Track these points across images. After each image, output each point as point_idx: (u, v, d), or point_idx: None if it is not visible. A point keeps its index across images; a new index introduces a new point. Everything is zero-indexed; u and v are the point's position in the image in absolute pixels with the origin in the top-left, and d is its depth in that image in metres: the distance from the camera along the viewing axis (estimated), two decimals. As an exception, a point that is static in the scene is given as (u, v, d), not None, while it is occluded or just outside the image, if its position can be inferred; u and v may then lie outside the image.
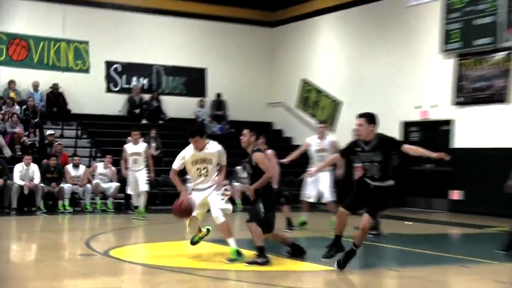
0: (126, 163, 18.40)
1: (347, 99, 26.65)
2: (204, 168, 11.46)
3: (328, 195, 16.28)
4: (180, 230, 14.40)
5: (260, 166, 11.35)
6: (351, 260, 10.51)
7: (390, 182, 10.62)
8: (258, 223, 10.87)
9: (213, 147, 11.59)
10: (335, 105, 27.16)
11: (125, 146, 18.74)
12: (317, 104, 27.95)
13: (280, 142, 27.56)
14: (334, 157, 12.45)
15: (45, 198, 20.31)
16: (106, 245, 13.16)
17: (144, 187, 18.07)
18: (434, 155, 10.42)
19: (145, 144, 18.99)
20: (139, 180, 18.05)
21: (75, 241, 14.80)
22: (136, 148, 18.35)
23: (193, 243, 11.92)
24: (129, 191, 18.65)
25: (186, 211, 11.19)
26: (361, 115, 10.77)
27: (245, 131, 12.22)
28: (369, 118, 10.71)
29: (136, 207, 18.29)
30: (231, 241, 11.16)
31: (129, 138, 19.15)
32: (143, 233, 16.34)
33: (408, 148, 10.81)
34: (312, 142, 16.57)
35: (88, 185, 21.28)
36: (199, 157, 11.42)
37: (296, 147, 19.61)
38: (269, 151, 14.14)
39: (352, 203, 10.63)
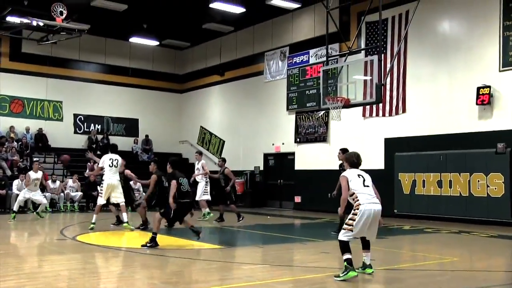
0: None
1: (228, 138, 26.85)
2: None
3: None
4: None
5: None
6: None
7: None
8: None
9: None
10: (221, 142, 27.30)
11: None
12: (210, 141, 28.01)
13: (186, 167, 27.42)
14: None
15: (33, 203, 19.60)
16: (74, 233, 12.80)
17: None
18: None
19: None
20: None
21: (53, 230, 14.38)
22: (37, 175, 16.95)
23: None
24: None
25: None
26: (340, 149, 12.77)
27: (152, 164, 13.39)
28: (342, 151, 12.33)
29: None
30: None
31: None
32: (100, 225, 16.00)
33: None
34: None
35: (62, 194, 20.77)
36: None
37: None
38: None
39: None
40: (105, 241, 11.88)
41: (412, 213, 18.09)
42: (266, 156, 24.54)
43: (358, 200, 7.37)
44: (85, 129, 27.27)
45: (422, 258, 9.94)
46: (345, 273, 7.19)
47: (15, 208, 16.59)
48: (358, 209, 7.32)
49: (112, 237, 12.65)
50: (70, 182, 21.24)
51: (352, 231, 7.30)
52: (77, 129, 27.10)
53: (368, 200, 7.38)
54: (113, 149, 14.07)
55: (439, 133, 17.94)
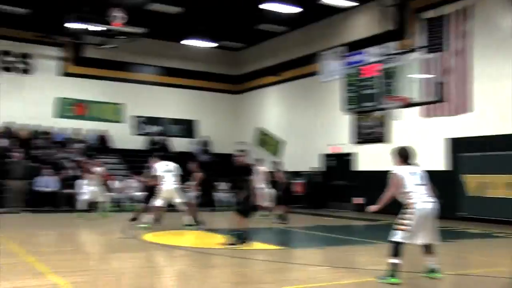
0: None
1: (287, 139, 26.84)
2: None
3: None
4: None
5: None
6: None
7: None
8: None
9: None
10: (279, 143, 27.30)
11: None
12: (267, 142, 28.05)
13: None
14: None
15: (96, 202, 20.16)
16: (138, 232, 12.94)
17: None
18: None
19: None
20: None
21: (117, 228, 14.65)
22: None
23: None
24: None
25: None
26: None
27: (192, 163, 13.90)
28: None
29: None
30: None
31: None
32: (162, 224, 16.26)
33: None
34: None
35: (124, 193, 21.26)
36: None
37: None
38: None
39: None
40: (169, 240, 12.07)
41: (477, 216, 17.40)
42: (324, 156, 24.36)
43: (411, 199, 6.98)
44: (146, 131, 27.80)
45: (493, 263, 9.50)
46: (387, 278, 6.90)
47: (83, 205, 16.82)
48: (411, 208, 6.95)
49: (177, 237, 12.83)
50: (132, 182, 21.67)
51: (407, 232, 6.89)
52: (137, 130, 27.66)
53: (422, 199, 6.96)
54: (163, 157, 14.50)
55: (508, 133, 17.00)
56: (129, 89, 27.47)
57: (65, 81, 26.02)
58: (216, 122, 29.66)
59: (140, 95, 27.74)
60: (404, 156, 7.31)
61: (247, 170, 10.95)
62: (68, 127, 25.56)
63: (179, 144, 27.98)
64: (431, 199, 7.04)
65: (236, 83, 30.47)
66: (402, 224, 6.97)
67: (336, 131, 23.57)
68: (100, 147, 25.54)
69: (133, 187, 21.53)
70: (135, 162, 25.01)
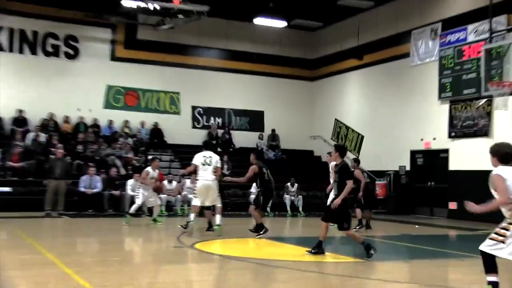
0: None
1: (368, 133, 26.52)
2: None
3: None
4: (245, 230, 14.49)
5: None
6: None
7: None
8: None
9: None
10: (359, 137, 27.01)
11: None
12: (346, 136, 27.80)
13: (318, 166, 27.49)
14: None
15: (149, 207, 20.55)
16: (192, 240, 13.02)
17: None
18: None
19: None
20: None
21: (170, 236, 14.86)
22: None
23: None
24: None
25: None
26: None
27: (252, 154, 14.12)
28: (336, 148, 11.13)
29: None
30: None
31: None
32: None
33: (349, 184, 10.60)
34: None
35: (179, 196, 21.51)
36: None
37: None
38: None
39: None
40: (227, 250, 12.09)
41: None
42: (413, 153, 23.89)
43: None
44: (205, 123, 28.14)
45: None
46: None
47: (132, 210, 16.93)
48: None
49: (234, 246, 12.87)
50: (187, 183, 21.87)
51: (503, 243, 6.56)
52: (195, 123, 28.03)
53: None
54: (207, 146, 14.76)
55: None
56: (188, 75, 27.80)
57: (115, 67, 26.58)
58: (287, 114, 29.65)
59: (200, 83, 28.03)
60: (503, 154, 6.82)
61: (347, 172, 10.88)
62: (117, 119, 26.17)
63: (244, 138, 28.12)
64: None
65: (311, 68, 30.33)
66: (499, 234, 6.65)
67: (430, 124, 23.03)
68: (153, 142, 25.99)
69: (188, 188, 21.72)
70: (192, 159, 25.33)
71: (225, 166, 23.09)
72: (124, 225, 16.27)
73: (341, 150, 11.00)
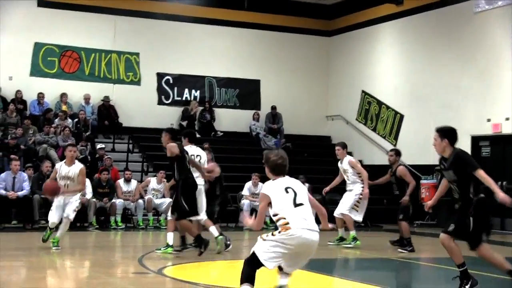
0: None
1: (410, 111, 26.40)
2: None
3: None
4: (234, 250, 14.59)
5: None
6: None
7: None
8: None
9: None
10: (397, 118, 26.89)
11: None
12: (378, 116, 27.67)
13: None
14: None
15: (97, 214, 20.48)
16: (159, 263, 13.08)
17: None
18: (500, 195, 9.48)
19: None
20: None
21: (128, 258, 14.85)
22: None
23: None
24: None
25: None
26: (436, 129, 10.19)
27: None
28: (442, 133, 10.08)
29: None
30: None
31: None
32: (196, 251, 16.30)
33: (482, 175, 9.71)
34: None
35: (140, 201, 21.43)
36: None
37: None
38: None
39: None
40: (204, 276, 12.16)
41: None
42: (475, 140, 23.79)
43: None
44: (176, 98, 28.08)
45: None
46: None
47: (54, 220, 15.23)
48: None
49: (217, 269, 13.07)
50: (153, 182, 21.79)
51: None
52: (162, 97, 27.96)
53: None
54: (192, 138, 15.11)
55: None
56: (151, 29, 27.71)
57: (45, 17, 26.37)
58: (293, 84, 29.68)
59: (169, 40, 27.96)
60: None
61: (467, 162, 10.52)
62: (50, 92, 26.01)
63: (231, 119, 28.08)
64: None
65: (328, 17, 30.36)
66: None
67: (499, 99, 22.97)
68: (102, 125, 25.93)
69: (154, 190, 21.65)
70: (157, 149, 25.19)
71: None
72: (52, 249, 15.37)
73: (450, 134, 10.28)
